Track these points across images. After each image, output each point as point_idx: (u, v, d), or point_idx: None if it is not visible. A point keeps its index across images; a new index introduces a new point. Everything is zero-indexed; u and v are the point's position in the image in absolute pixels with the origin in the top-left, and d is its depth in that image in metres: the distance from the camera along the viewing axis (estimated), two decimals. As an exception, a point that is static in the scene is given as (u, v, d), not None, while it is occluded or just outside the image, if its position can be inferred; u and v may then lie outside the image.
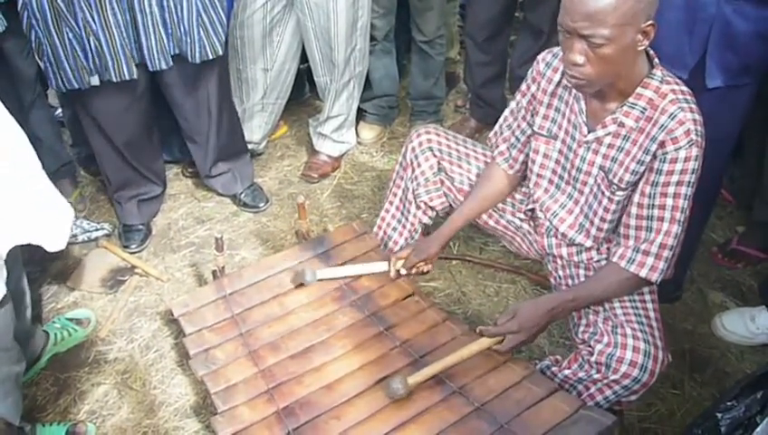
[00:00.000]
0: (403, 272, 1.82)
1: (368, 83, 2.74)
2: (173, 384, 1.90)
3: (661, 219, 1.44)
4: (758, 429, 1.33)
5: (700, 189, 1.79)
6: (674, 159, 1.38)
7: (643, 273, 1.47)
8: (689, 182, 1.41)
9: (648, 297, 1.58)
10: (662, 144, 1.39)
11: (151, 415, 1.83)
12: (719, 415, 1.40)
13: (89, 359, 1.98)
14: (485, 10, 2.55)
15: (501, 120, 1.74)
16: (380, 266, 1.84)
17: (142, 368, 1.95)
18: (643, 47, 1.33)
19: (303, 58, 2.59)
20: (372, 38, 2.62)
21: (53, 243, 1.55)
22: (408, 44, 2.95)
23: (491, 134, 1.78)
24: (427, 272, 1.87)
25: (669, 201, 1.42)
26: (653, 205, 1.44)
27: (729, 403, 1.40)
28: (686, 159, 1.38)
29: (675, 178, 1.40)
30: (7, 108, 2.05)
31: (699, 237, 2.03)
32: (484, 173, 1.79)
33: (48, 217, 1.56)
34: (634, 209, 1.47)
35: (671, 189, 1.41)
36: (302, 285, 1.82)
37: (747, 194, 2.35)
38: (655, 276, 1.47)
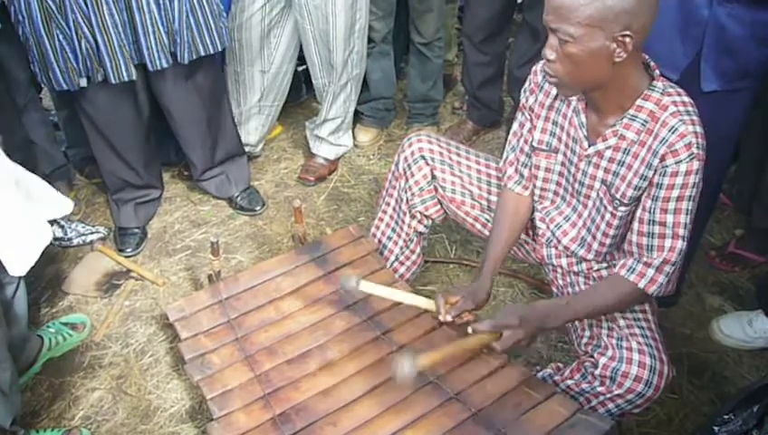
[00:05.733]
0: (449, 319, 1.65)
1: (365, 86, 2.73)
2: (168, 389, 1.89)
3: (663, 236, 1.42)
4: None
5: (699, 194, 1.78)
6: (674, 173, 1.36)
7: (642, 283, 1.45)
8: (690, 196, 1.38)
9: (648, 308, 1.56)
10: (663, 158, 1.36)
11: (146, 420, 1.81)
12: (716, 428, 1.40)
13: (84, 364, 1.97)
14: (484, 10, 2.55)
15: (506, 145, 1.69)
16: (427, 304, 1.69)
17: (137, 373, 1.94)
18: (620, 59, 1.29)
19: (301, 60, 2.59)
20: (370, 40, 2.62)
21: (16, 267, 1.45)
22: (405, 47, 2.95)
23: (500, 163, 1.72)
24: (473, 320, 1.71)
25: (671, 218, 1.40)
26: (654, 220, 1.42)
27: (726, 417, 1.39)
28: (687, 173, 1.36)
29: (675, 192, 1.38)
30: (1, 111, 2.05)
31: (698, 242, 2.02)
32: (499, 205, 1.72)
33: (21, 237, 1.47)
34: (636, 225, 1.45)
35: (671, 205, 1.39)
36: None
37: (745, 197, 2.35)
38: (652, 289, 1.45)
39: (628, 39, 1.26)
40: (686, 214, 1.40)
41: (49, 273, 2.26)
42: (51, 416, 1.83)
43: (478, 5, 2.57)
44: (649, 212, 1.42)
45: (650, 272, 1.45)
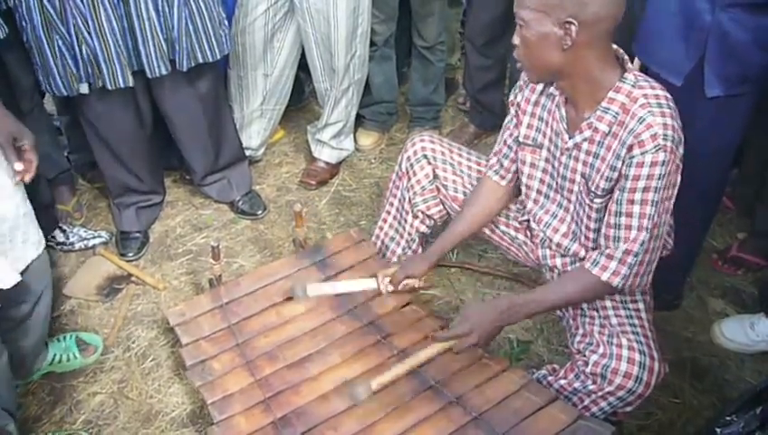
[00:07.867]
0: (389, 289, 1.77)
1: (367, 89, 2.73)
2: (170, 393, 1.89)
3: (628, 227, 1.42)
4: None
5: (703, 197, 1.78)
6: (640, 164, 1.36)
7: (604, 276, 1.45)
8: (656, 188, 1.37)
9: (641, 306, 1.56)
10: (630, 148, 1.37)
11: (148, 425, 1.81)
12: (718, 430, 1.39)
13: (85, 368, 1.97)
14: (486, 13, 2.55)
15: (499, 136, 1.73)
16: (369, 283, 1.80)
17: (139, 377, 1.94)
18: (567, 47, 1.32)
19: (304, 65, 2.59)
20: (372, 44, 2.62)
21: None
22: (408, 51, 2.95)
23: (492, 154, 1.76)
24: (418, 289, 1.83)
25: (636, 208, 1.40)
26: (621, 212, 1.42)
27: (728, 418, 1.39)
28: (653, 164, 1.35)
29: (641, 183, 1.37)
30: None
31: (701, 245, 2.02)
32: (474, 190, 1.77)
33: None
34: (606, 216, 1.47)
35: (638, 196, 1.39)
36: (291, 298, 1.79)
37: (747, 201, 2.34)
38: (616, 281, 1.45)
39: (573, 27, 1.30)
40: (652, 205, 1.39)
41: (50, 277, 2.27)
42: (52, 420, 1.83)
43: (480, 9, 2.57)
44: (617, 203, 1.42)
45: (613, 264, 1.45)
